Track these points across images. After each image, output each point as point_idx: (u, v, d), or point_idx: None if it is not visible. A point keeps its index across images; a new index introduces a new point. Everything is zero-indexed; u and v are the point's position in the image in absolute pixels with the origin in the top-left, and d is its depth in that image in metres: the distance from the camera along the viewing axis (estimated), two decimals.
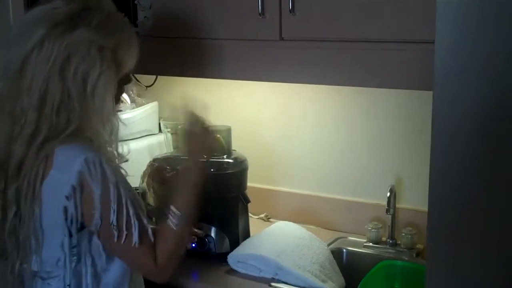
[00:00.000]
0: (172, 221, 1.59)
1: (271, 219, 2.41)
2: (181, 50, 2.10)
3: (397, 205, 2.14)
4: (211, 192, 2.09)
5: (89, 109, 1.52)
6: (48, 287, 1.60)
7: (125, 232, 1.52)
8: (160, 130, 2.51)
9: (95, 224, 1.50)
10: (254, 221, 2.33)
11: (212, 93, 2.49)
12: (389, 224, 2.15)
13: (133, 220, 1.53)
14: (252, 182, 2.26)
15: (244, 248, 2.01)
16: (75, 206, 1.49)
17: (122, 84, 1.64)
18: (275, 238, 2.08)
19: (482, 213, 1.29)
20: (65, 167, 1.49)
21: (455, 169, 1.30)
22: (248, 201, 2.14)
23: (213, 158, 2.10)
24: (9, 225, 1.55)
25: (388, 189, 2.10)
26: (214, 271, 1.98)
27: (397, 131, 2.18)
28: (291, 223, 2.22)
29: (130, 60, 1.61)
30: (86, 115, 1.53)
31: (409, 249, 2.12)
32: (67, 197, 1.49)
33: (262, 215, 2.43)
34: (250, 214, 2.24)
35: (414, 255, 2.10)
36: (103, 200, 1.49)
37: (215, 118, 2.37)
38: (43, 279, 1.60)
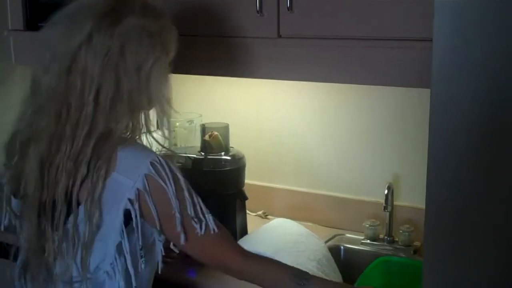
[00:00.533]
0: (293, 277, 1.57)
1: (268, 216, 2.41)
2: (178, 47, 2.09)
3: (394, 203, 2.14)
4: (209, 189, 2.10)
5: (143, 99, 1.52)
6: None
7: (204, 222, 1.51)
8: (158, 127, 2.50)
9: (178, 223, 1.48)
10: (252, 218, 2.34)
11: (209, 90, 2.49)
12: (387, 221, 2.15)
13: (204, 208, 1.53)
14: (250, 179, 2.26)
15: (242, 245, 2.01)
16: (141, 209, 1.48)
17: None
18: (272, 235, 2.08)
19: (480, 210, 1.30)
20: (130, 170, 1.47)
21: (452, 166, 1.30)
22: (246, 198, 2.15)
23: (210, 155, 2.11)
24: (59, 229, 1.50)
25: (386, 187, 2.10)
26: (212, 268, 1.97)
27: (395, 128, 2.18)
28: (288, 220, 2.22)
29: (174, 47, 1.60)
30: (140, 105, 1.52)
31: (406, 246, 2.12)
32: (130, 200, 1.46)
33: (260, 212, 2.43)
34: (248, 211, 2.24)
35: (412, 252, 2.11)
36: (178, 196, 1.49)
37: (213, 115, 2.38)
38: (66, 283, 1.55)
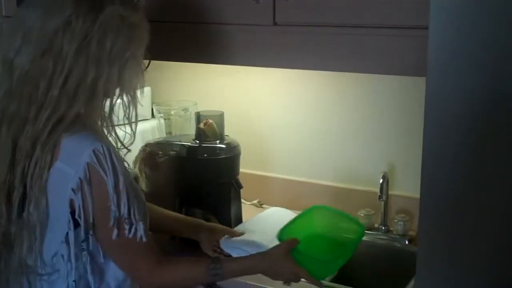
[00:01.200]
0: (209, 270, 1.57)
1: (264, 205, 2.41)
2: (174, 35, 2.08)
3: (390, 192, 2.14)
4: (203, 178, 2.10)
5: (111, 88, 1.51)
6: (45, 284, 1.55)
7: (134, 226, 1.48)
8: (153, 115, 2.50)
9: (112, 217, 1.45)
10: (247, 207, 2.33)
11: (205, 78, 2.48)
12: (382, 210, 2.15)
13: (138, 214, 1.49)
14: (245, 168, 2.25)
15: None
16: (83, 199, 1.45)
17: None
18: (267, 224, 2.07)
19: (474, 200, 1.29)
20: (72, 159, 1.45)
21: (447, 156, 1.30)
22: (240, 186, 2.14)
23: (205, 143, 2.10)
24: (15, 211, 1.49)
25: (381, 176, 2.10)
26: (206, 257, 1.97)
27: (391, 117, 2.17)
28: (283, 209, 2.22)
29: (147, 39, 1.57)
30: (105, 94, 1.50)
31: (401, 235, 2.12)
32: (73, 190, 1.44)
33: (255, 201, 2.42)
34: (243, 200, 2.24)
35: (407, 241, 2.10)
36: (116, 191, 1.45)
37: (209, 103, 2.37)
38: (38, 274, 1.54)
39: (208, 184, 2.10)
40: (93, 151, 1.44)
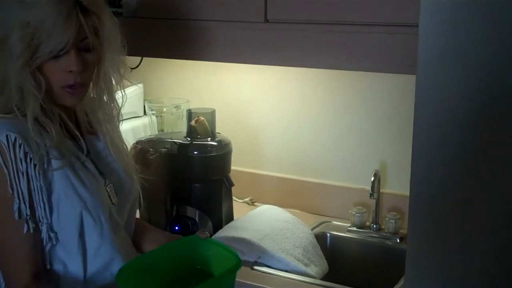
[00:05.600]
0: None
1: (256, 203, 2.40)
2: (166, 32, 2.08)
3: (381, 190, 2.14)
4: (194, 175, 2.09)
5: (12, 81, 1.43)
6: None
7: (32, 226, 1.42)
8: (145, 113, 2.49)
9: (16, 209, 1.40)
10: (239, 205, 2.33)
11: (197, 75, 2.47)
12: (373, 208, 2.15)
13: (44, 217, 1.43)
14: (237, 166, 2.25)
15: (227, 231, 2.00)
16: None
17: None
18: (258, 222, 2.07)
19: (464, 198, 1.29)
20: None
21: (437, 153, 1.29)
22: (231, 184, 2.13)
23: (197, 141, 2.09)
24: None
25: (373, 174, 2.09)
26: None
27: (383, 115, 2.17)
28: (275, 207, 2.21)
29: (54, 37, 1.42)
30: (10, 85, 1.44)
31: (393, 234, 2.11)
32: None
33: (247, 199, 2.42)
34: (235, 198, 2.23)
35: (398, 240, 2.10)
36: (22, 185, 1.40)
37: (200, 100, 2.36)
38: None
39: (199, 182, 2.09)
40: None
